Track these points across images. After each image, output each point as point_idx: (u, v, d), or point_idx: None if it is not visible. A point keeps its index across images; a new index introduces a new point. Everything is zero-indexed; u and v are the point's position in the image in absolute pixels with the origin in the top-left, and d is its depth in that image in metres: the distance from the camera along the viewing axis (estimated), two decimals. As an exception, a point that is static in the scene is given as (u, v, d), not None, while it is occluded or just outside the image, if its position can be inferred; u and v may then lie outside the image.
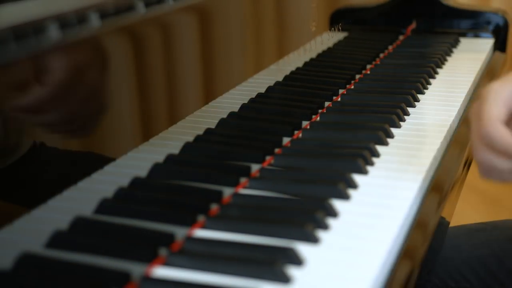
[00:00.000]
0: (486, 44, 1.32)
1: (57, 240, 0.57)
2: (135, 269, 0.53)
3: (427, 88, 1.01)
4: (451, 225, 0.96)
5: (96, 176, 0.71)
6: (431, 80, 1.06)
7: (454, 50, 1.28)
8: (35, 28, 0.61)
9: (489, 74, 1.21)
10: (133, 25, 0.79)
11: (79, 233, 0.59)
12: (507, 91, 0.63)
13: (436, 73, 1.10)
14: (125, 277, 0.52)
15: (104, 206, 0.63)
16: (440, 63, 1.16)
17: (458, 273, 0.93)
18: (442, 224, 0.75)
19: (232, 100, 0.95)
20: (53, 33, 0.62)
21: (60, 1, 0.67)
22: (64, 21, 0.64)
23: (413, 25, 1.42)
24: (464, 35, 1.38)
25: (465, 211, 2.17)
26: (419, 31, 1.40)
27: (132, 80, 0.81)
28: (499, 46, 1.38)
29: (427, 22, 1.42)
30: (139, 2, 0.77)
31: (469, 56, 1.24)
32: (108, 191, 0.66)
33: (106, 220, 0.61)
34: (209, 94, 0.94)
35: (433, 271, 0.94)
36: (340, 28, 1.35)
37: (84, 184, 0.69)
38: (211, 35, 0.99)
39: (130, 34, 0.82)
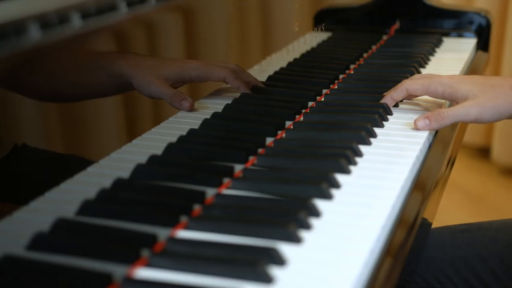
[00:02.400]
0: (469, 43, 1.33)
1: (39, 242, 0.57)
2: (117, 270, 0.53)
3: (410, 88, 1.02)
4: (436, 224, 0.97)
5: (79, 177, 0.70)
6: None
7: (437, 50, 1.28)
8: (15, 28, 0.60)
9: (471, 73, 1.21)
10: (116, 25, 0.79)
11: (61, 235, 0.59)
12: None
13: (419, 72, 1.11)
14: (107, 278, 0.52)
15: (86, 208, 0.63)
16: (423, 62, 1.16)
17: (442, 274, 0.94)
18: (424, 224, 0.75)
19: (215, 100, 0.95)
20: (34, 33, 0.62)
21: (41, 1, 0.67)
22: (45, 21, 0.64)
23: (397, 25, 1.42)
24: (447, 35, 1.39)
25: (450, 210, 2.18)
26: (403, 31, 1.41)
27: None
28: (482, 45, 1.39)
29: (410, 22, 1.43)
30: (121, 2, 0.76)
31: (452, 56, 1.24)
32: (91, 193, 0.65)
33: (88, 222, 0.61)
34: (192, 95, 0.93)
35: (416, 271, 0.94)
36: (323, 28, 1.35)
37: (66, 186, 0.68)
38: (194, 36, 0.99)
39: (113, 34, 0.81)
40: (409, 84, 0.89)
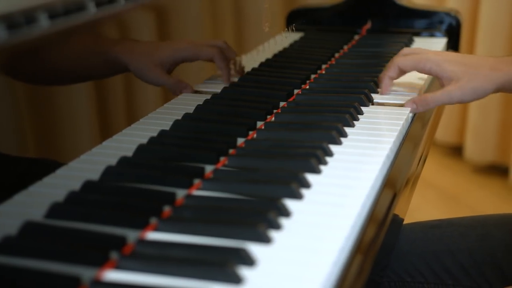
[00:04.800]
0: (439, 43, 1.34)
1: (6, 245, 0.56)
2: (86, 273, 0.53)
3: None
4: (409, 221, 0.98)
5: (48, 180, 0.70)
6: (385, 79, 1.07)
7: (408, 49, 1.29)
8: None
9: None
10: (85, 25, 0.78)
11: (29, 238, 0.58)
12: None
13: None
14: (75, 281, 0.52)
15: (55, 210, 0.62)
16: (394, 62, 1.17)
17: (413, 268, 0.95)
18: (396, 221, 0.75)
19: (187, 101, 0.94)
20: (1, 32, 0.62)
21: (9, 1, 0.66)
22: (12, 21, 0.63)
23: (368, 25, 1.43)
24: (418, 34, 1.40)
25: (423, 207, 2.20)
26: (374, 30, 1.42)
27: (85, 82, 0.80)
28: (452, 45, 1.40)
29: (381, 22, 1.44)
30: (90, 2, 0.76)
31: (422, 55, 1.25)
32: (60, 195, 0.65)
33: (57, 224, 0.60)
34: (164, 96, 0.93)
35: (389, 267, 0.95)
36: (296, 28, 1.35)
37: (35, 188, 0.68)
38: (165, 37, 0.99)
39: (83, 33, 0.81)
40: (400, 61, 0.95)
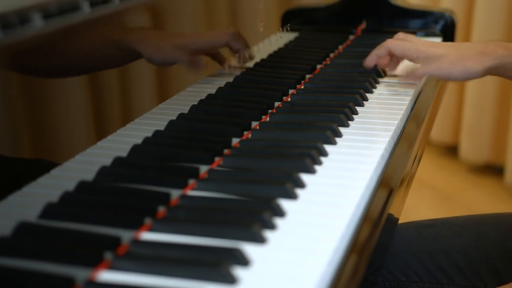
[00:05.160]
0: (434, 43, 1.34)
1: (0, 246, 0.56)
2: (80, 273, 0.52)
3: (375, 87, 1.03)
4: (404, 220, 0.98)
5: (42, 180, 0.70)
6: (380, 79, 1.07)
7: (403, 49, 1.29)
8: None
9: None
10: (80, 26, 0.78)
11: (23, 239, 0.58)
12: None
13: (385, 72, 1.12)
14: (69, 282, 0.51)
15: (49, 211, 0.62)
16: (389, 62, 1.17)
17: (408, 268, 0.95)
18: (391, 220, 0.75)
19: (182, 101, 0.94)
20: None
21: (2, 1, 0.66)
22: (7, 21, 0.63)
23: (363, 25, 1.43)
24: (413, 34, 1.40)
25: (418, 207, 2.21)
26: (369, 31, 1.42)
27: (80, 83, 0.80)
28: (447, 45, 1.40)
29: (376, 22, 1.44)
30: (84, 2, 0.76)
31: (417, 55, 1.25)
32: (54, 196, 0.65)
33: (51, 225, 0.60)
34: (159, 96, 0.93)
35: (384, 266, 0.95)
36: (291, 28, 1.35)
37: (29, 189, 0.68)
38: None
39: (76, 34, 0.81)
40: (390, 43, 1.00)
